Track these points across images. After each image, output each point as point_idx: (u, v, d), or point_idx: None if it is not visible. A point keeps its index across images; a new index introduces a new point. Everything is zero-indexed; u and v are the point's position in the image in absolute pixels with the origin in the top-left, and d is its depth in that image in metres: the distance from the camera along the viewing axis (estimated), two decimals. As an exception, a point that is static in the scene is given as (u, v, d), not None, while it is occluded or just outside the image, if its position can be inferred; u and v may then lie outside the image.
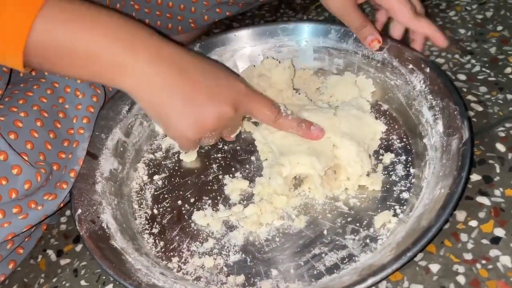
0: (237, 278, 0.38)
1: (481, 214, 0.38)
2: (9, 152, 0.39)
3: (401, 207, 0.40)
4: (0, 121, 0.41)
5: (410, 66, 0.46)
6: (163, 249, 0.42)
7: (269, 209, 0.41)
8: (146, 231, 0.44)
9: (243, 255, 0.40)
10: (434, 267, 0.36)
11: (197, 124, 0.39)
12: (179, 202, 0.45)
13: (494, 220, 0.37)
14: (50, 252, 0.45)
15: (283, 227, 0.41)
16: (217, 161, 0.48)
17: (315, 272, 0.37)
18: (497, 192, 0.39)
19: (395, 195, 0.40)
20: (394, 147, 0.44)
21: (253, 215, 0.41)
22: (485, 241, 0.36)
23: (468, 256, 0.36)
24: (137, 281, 0.36)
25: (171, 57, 0.38)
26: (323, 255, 0.38)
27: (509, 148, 0.42)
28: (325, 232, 0.40)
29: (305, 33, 0.52)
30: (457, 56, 0.52)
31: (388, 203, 0.40)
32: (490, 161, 0.41)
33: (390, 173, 0.42)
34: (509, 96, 0.46)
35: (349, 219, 0.40)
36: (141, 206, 0.46)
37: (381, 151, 0.44)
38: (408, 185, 0.41)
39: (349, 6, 0.46)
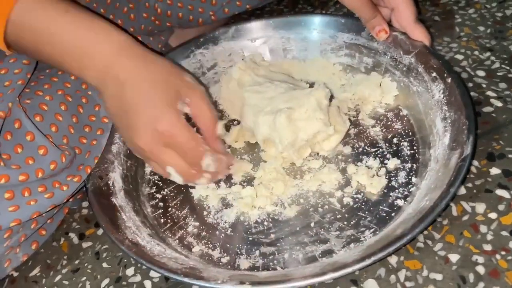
0: (220, 252, 0.40)
1: (501, 207, 0.38)
2: (36, 133, 0.40)
3: (392, 214, 0.40)
4: (26, 104, 0.42)
5: (434, 74, 0.45)
6: (161, 214, 0.44)
7: (264, 194, 0.42)
8: (150, 195, 0.46)
9: (231, 232, 0.41)
10: (454, 257, 0.36)
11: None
12: None
13: (513, 213, 0.38)
14: (72, 235, 0.46)
15: (274, 213, 0.42)
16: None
17: (291, 261, 0.38)
18: (516, 185, 0.40)
19: (389, 201, 0.41)
20: (402, 153, 0.44)
21: (248, 197, 0.43)
22: (504, 233, 0.37)
23: (487, 247, 0.36)
24: (123, 237, 0.39)
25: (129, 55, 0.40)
26: (304, 246, 0.39)
27: (529, 143, 0.42)
28: (312, 224, 0.40)
29: (339, 27, 0.53)
30: (476, 52, 0.52)
31: (380, 207, 0.40)
32: (510, 156, 0.42)
33: (391, 178, 0.42)
34: (528, 93, 0.46)
35: (338, 216, 0.40)
36: (152, 172, 0.48)
37: (388, 155, 0.44)
38: (406, 193, 0.41)
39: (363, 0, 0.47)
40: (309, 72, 0.54)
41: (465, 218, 0.39)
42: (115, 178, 0.45)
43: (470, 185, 0.41)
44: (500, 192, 0.39)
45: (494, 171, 0.41)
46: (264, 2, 0.63)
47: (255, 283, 0.33)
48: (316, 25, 0.54)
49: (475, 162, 0.42)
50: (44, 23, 0.38)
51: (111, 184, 0.44)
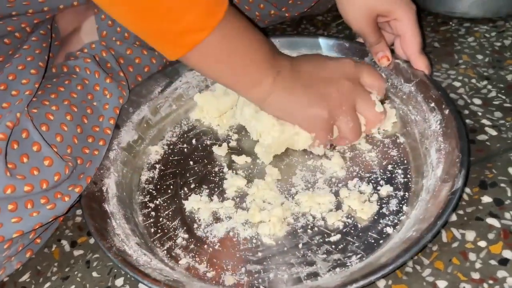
0: (206, 266, 0.40)
1: (491, 236, 0.39)
2: (42, 143, 0.40)
3: (380, 241, 0.40)
4: (33, 113, 0.42)
5: (432, 104, 0.45)
6: (152, 224, 0.45)
7: (256, 211, 0.43)
8: (143, 204, 0.47)
9: (219, 247, 0.41)
10: (441, 284, 0.36)
11: (322, 98, 0.44)
12: (181, 184, 0.48)
13: (503, 242, 0.38)
14: (64, 242, 0.47)
15: (264, 231, 0.42)
16: (226, 155, 0.50)
17: (276, 281, 0.38)
18: (507, 215, 0.40)
19: (379, 228, 0.40)
20: (395, 181, 0.44)
21: (241, 214, 0.43)
22: (493, 262, 0.37)
23: (475, 275, 0.36)
24: (110, 244, 0.39)
25: (291, 67, 0.45)
26: (290, 267, 0.39)
27: (521, 173, 0.43)
28: (300, 245, 0.40)
29: (344, 51, 0.53)
30: (473, 80, 0.53)
31: (369, 233, 0.40)
32: (502, 185, 0.42)
33: (383, 205, 0.42)
34: (523, 123, 0.47)
35: (326, 239, 0.40)
36: (147, 180, 0.49)
37: (381, 182, 0.44)
38: (396, 221, 0.41)
39: (370, 24, 0.48)
40: None
41: (455, 245, 0.39)
42: (110, 184, 0.46)
43: (461, 212, 0.41)
44: (491, 220, 0.40)
45: (486, 199, 0.41)
46: (268, 25, 0.65)
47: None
48: (321, 47, 0.55)
49: (467, 190, 0.42)
50: (231, 55, 0.42)
51: (105, 190, 0.45)
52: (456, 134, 0.42)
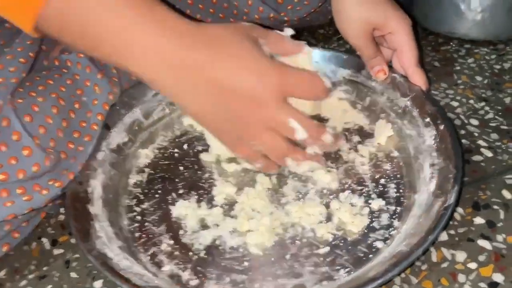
0: (189, 274, 0.39)
1: (481, 258, 0.38)
2: (23, 133, 0.39)
3: (370, 255, 0.39)
4: (18, 103, 0.41)
5: (427, 119, 0.45)
6: (137, 228, 0.43)
7: (244, 220, 0.42)
8: (129, 207, 0.45)
9: (204, 255, 0.40)
10: (429, 305, 0.35)
11: (233, 132, 0.39)
12: (169, 189, 0.47)
13: (494, 265, 0.37)
14: (44, 240, 0.45)
15: (251, 241, 0.41)
16: (217, 161, 0.49)
17: None
18: (499, 237, 0.39)
19: (368, 242, 0.40)
20: (387, 195, 0.43)
21: (229, 222, 0.42)
22: (482, 285, 0.36)
23: (464, 298, 0.35)
24: (91, 246, 0.38)
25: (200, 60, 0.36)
26: (276, 278, 0.38)
27: (515, 196, 0.42)
28: (287, 256, 0.39)
29: (341, 63, 0.53)
30: (471, 101, 0.52)
31: (359, 247, 0.39)
32: (495, 207, 0.41)
33: (374, 219, 0.41)
34: (520, 146, 0.46)
35: (315, 252, 0.39)
36: (135, 184, 0.48)
37: (373, 195, 0.43)
38: (386, 235, 0.40)
39: (366, 38, 0.48)
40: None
41: (444, 265, 0.38)
42: (96, 185, 0.45)
43: (452, 232, 0.40)
44: (482, 242, 0.39)
45: (478, 220, 0.41)
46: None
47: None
48: (318, 58, 0.54)
49: (460, 210, 0.42)
50: (84, 16, 0.34)
51: (90, 191, 0.44)
52: (450, 150, 0.41)
